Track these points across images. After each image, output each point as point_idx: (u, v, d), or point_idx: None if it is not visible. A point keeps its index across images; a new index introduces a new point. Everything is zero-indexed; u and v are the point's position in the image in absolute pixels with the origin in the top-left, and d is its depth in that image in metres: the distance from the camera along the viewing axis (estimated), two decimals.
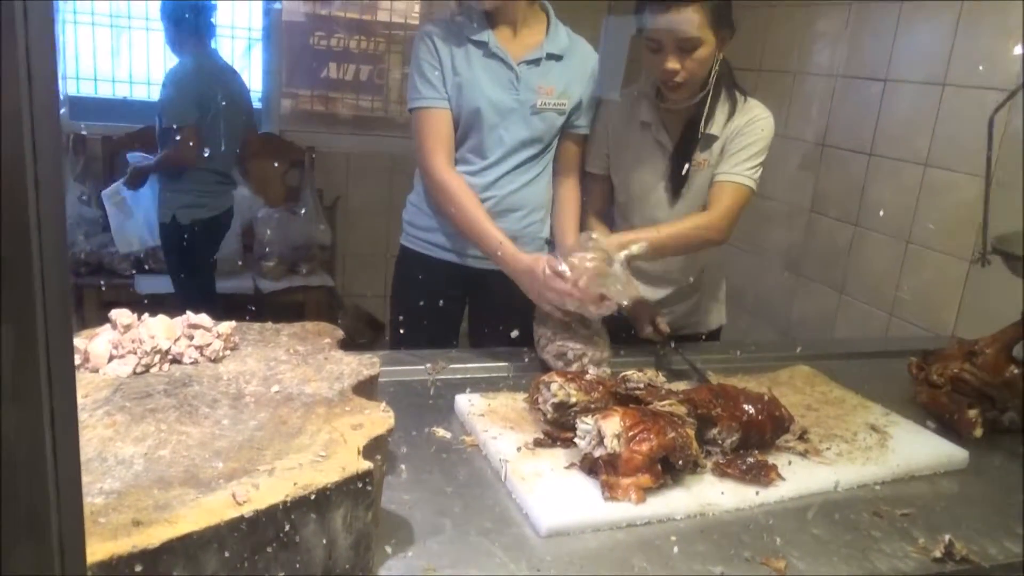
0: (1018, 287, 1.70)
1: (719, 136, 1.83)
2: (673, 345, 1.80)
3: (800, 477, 1.28)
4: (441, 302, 1.92)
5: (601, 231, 1.88)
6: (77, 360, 1.06)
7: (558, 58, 1.86)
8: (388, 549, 1.01)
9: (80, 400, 0.97)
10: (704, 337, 2.09)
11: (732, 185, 1.80)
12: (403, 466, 1.22)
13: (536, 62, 1.84)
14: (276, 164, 4.13)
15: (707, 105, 1.80)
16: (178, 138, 3.17)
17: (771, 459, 1.30)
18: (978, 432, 1.54)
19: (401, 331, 1.96)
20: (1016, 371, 1.65)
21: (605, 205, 2.01)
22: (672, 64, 1.69)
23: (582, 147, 1.95)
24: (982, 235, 1.68)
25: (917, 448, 1.42)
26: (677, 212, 1.90)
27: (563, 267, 1.57)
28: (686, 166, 1.84)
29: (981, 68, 2.20)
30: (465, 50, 1.81)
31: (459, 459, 1.28)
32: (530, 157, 1.89)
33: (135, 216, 3.48)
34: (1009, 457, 1.49)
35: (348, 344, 1.22)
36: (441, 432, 1.36)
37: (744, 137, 1.81)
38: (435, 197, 1.86)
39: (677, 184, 1.88)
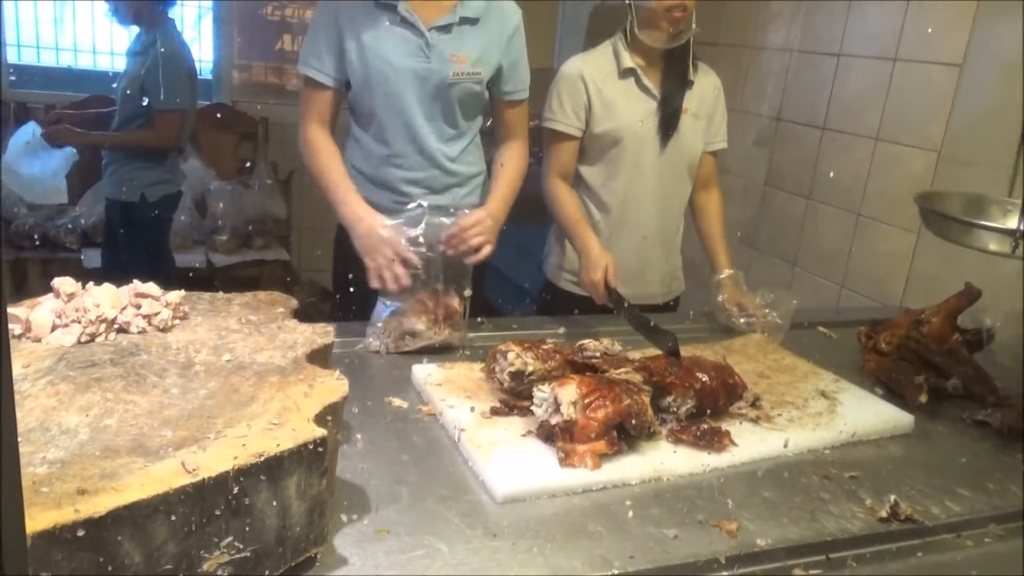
0: (962, 259, 1.75)
1: (694, 82, 1.94)
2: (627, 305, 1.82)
3: (752, 442, 1.31)
4: None
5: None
6: (19, 329, 1.03)
7: (473, 22, 1.72)
8: (343, 517, 1.00)
9: (22, 370, 0.94)
10: (670, 305, 2.12)
11: (721, 151, 2.07)
12: (359, 435, 1.21)
13: (447, 28, 1.70)
14: (228, 135, 4.03)
15: (690, 49, 1.90)
16: (159, 120, 3.01)
17: (724, 425, 1.32)
18: (923, 398, 1.58)
19: (344, 302, 1.92)
20: (960, 339, 1.70)
21: (573, 167, 1.99)
22: None
23: (523, 111, 1.86)
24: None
25: (865, 413, 1.46)
26: (665, 160, 1.95)
27: (412, 233, 1.57)
28: (679, 109, 1.92)
29: (930, 30, 2.24)
30: (372, 15, 1.69)
31: (416, 428, 1.28)
32: (453, 131, 1.79)
33: (52, 162, 3.26)
34: (952, 422, 1.53)
35: (304, 319, 1.20)
36: (398, 402, 1.35)
37: (721, 103, 2.01)
38: (305, 162, 1.79)
39: (668, 129, 1.92)
